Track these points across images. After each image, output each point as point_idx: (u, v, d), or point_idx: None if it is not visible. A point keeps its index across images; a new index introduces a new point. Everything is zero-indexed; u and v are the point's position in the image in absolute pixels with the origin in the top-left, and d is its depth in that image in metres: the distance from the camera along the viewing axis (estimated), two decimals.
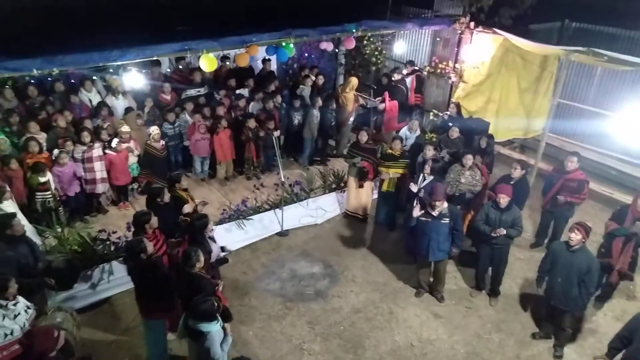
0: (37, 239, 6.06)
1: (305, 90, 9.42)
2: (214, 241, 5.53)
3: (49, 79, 7.79)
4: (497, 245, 6.17)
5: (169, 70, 9.25)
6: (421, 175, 7.04)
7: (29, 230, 6.03)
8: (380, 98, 9.56)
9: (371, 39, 10.48)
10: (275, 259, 7.42)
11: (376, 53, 10.84)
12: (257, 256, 7.47)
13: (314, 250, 7.65)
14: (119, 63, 5.80)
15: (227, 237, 7.21)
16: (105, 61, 5.67)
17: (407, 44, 10.11)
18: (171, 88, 8.68)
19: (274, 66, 10.22)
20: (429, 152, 7.36)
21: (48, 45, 5.35)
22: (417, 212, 6.04)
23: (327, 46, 7.78)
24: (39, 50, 5.20)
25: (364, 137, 7.92)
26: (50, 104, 7.54)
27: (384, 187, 7.79)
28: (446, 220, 5.99)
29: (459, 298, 6.73)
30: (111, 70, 6.87)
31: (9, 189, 5.99)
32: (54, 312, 4.46)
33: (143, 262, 4.73)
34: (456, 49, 9.32)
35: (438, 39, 10.19)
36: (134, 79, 6.77)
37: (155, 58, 7.22)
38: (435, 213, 5.94)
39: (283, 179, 7.78)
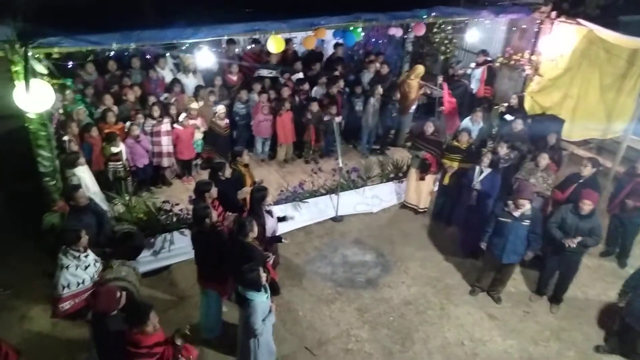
0: (106, 206, 6.44)
1: (366, 75, 9.27)
2: (271, 216, 5.62)
3: (127, 54, 8.21)
4: (569, 252, 5.71)
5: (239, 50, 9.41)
6: (477, 168, 6.70)
7: (100, 197, 6.43)
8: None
9: (442, 27, 10.10)
10: (328, 244, 7.43)
11: (446, 42, 10.45)
12: (311, 239, 7.51)
13: (367, 238, 7.58)
14: (191, 41, 5.94)
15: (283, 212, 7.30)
16: (179, 38, 5.84)
17: (480, 33, 9.64)
18: (238, 69, 8.86)
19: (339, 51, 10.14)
20: (502, 149, 7.04)
21: (126, 21, 5.58)
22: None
23: (396, 32, 7.58)
24: (118, 26, 5.44)
25: (429, 128, 7.70)
26: (127, 78, 7.91)
27: (446, 181, 7.54)
28: (527, 222, 5.59)
29: (517, 301, 6.42)
30: (184, 48, 7.08)
31: (82, 156, 6.36)
32: (119, 266, 4.75)
33: (206, 228, 4.92)
34: (533, 40, 8.77)
35: (514, 29, 9.64)
36: (205, 58, 6.94)
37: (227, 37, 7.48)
38: (517, 214, 5.57)
39: (341, 165, 7.75)
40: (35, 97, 4.80)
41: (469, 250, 6.96)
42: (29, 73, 4.82)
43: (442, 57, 10.81)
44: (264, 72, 8.96)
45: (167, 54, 8.51)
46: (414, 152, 7.84)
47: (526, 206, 5.54)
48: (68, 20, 5.38)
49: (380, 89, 8.71)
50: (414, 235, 7.72)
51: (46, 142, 5.55)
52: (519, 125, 7.63)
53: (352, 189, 8.09)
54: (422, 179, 7.80)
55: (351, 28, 6.92)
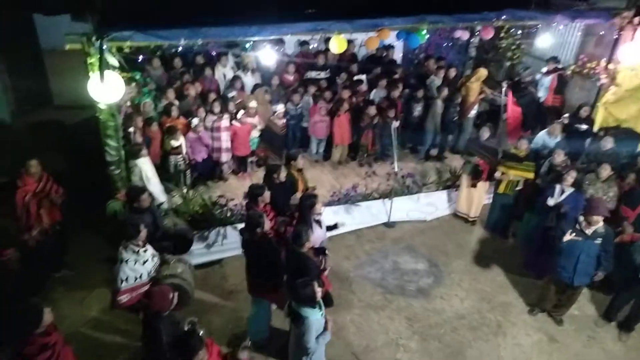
0: (164, 198, 6.62)
1: (436, 81, 9.03)
2: (320, 226, 5.41)
3: (191, 52, 8.47)
4: None
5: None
6: (557, 186, 6.21)
7: (159, 188, 6.62)
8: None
9: (510, 31, 9.66)
10: (379, 249, 7.27)
11: (513, 47, 9.99)
12: (361, 243, 7.39)
13: (420, 247, 7.35)
14: (255, 39, 6.00)
15: (334, 219, 7.20)
16: (244, 36, 5.92)
17: (552, 39, 9.13)
18: (295, 69, 8.90)
19: (397, 54, 9.97)
20: (559, 157, 6.60)
21: (195, 19, 5.70)
22: (568, 236, 5.26)
23: (463, 35, 7.30)
24: (186, 23, 5.57)
25: (485, 133, 7.39)
26: (189, 74, 8.14)
27: (501, 189, 7.19)
28: (599, 241, 5.19)
29: (581, 325, 5.98)
30: (246, 46, 7.21)
31: (145, 148, 6.57)
32: (175, 263, 4.83)
33: (258, 236, 4.83)
34: (612, 47, 8.17)
35: (590, 35, 9.05)
36: (267, 57, 7.00)
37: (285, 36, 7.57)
38: (589, 232, 5.19)
39: (396, 169, 7.57)
40: (107, 88, 5.01)
41: (537, 271, 6.48)
42: (104, 65, 5.03)
43: (508, 64, 10.34)
44: (312, 74, 8.93)
45: (229, 53, 8.74)
46: (467, 157, 7.53)
47: (599, 223, 5.13)
48: (140, 17, 5.58)
49: (445, 91, 8.45)
50: (468, 247, 7.41)
51: (114, 132, 5.78)
52: (608, 143, 7.06)
53: (406, 195, 7.89)
54: (473, 185, 7.49)
55: (416, 30, 6.73)
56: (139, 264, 4.60)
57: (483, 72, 8.75)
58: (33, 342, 3.51)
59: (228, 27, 5.78)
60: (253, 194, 5.36)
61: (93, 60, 5.14)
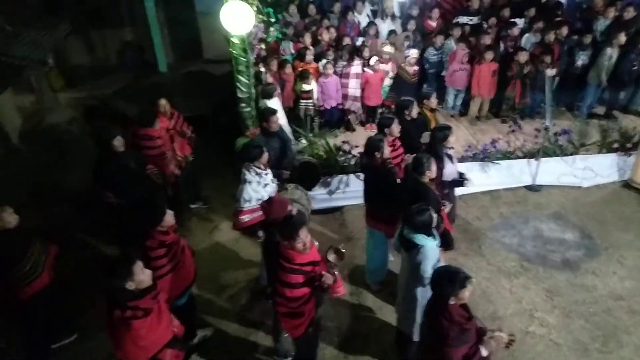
0: (291, 139, 6.63)
1: (601, 22, 7.50)
2: (452, 161, 4.96)
3: None
4: None
5: None
6: None
7: (287, 130, 6.63)
8: None
9: None
10: (518, 213, 6.39)
11: None
12: (497, 205, 6.57)
13: (570, 215, 6.28)
14: None
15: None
16: None
17: None
18: (439, 15, 8.16)
19: None
20: None
21: None
22: None
23: None
24: None
25: None
26: (325, 20, 7.99)
27: None
28: None
29: None
30: None
31: (278, 90, 6.62)
32: (293, 189, 4.80)
33: (376, 162, 4.60)
34: None
35: None
36: (402, 2, 6.48)
37: None
38: None
39: (548, 124, 6.49)
40: (238, 19, 5.03)
41: None
42: None
43: None
44: (464, 19, 8.04)
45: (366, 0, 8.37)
46: None
47: None
48: None
49: (622, 37, 6.95)
50: (636, 220, 6.08)
51: (245, 68, 5.88)
52: None
53: (558, 156, 6.75)
54: None
55: None
56: (261, 186, 4.63)
57: None
58: (153, 237, 3.75)
59: None
60: (381, 124, 5.12)
61: None
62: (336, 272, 3.67)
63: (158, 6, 10.68)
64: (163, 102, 6.00)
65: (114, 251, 5.16)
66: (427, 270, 3.73)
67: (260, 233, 4.64)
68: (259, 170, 4.70)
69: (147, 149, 5.52)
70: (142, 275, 3.08)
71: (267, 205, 4.10)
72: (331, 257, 3.66)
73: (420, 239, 3.79)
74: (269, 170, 4.83)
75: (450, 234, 4.41)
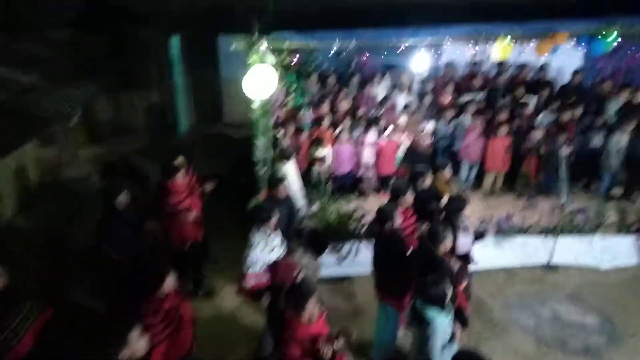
0: (303, 202, 6.63)
1: (613, 104, 7.64)
2: (467, 234, 4.84)
3: (348, 70, 8.78)
4: None
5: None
6: None
7: (299, 193, 6.67)
8: None
9: None
10: (535, 294, 6.14)
11: None
12: (513, 283, 6.34)
13: (589, 297, 6.00)
14: (410, 42, 5.74)
15: (480, 251, 6.33)
16: (398, 38, 5.72)
17: None
18: (453, 90, 8.43)
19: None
20: None
21: (349, 24, 5.74)
22: None
23: None
24: (341, 26, 5.62)
25: None
26: (343, 91, 8.29)
27: None
28: None
29: None
30: (400, 62, 7.08)
31: (294, 154, 6.73)
32: (301, 254, 4.67)
33: (386, 231, 4.50)
34: None
35: None
36: (422, 62, 6.74)
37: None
38: None
39: (564, 200, 6.40)
40: (261, 83, 5.22)
41: None
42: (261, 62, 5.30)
43: None
44: (466, 98, 8.30)
45: (386, 73, 8.73)
46: None
47: None
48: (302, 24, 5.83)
49: (631, 124, 7.03)
50: None
51: (264, 131, 6.02)
52: None
53: (575, 234, 6.59)
54: None
55: (602, 34, 5.70)
56: (267, 250, 4.53)
57: None
58: (150, 303, 3.59)
59: (382, 29, 5.65)
60: (395, 192, 5.05)
61: (253, 58, 5.46)
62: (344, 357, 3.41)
63: (185, 72, 11.26)
64: (180, 159, 6.12)
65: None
66: (436, 347, 3.54)
67: (266, 298, 4.49)
68: (266, 234, 4.63)
69: (168, 205, 5.54)
70: (137, 345, 2.91)
71: (274, 268, 3.99)
72: (339, 343, 3.40)
73: (431, 312, 3.61)
74: (277, 234, 4.76)
75: (466, 311, 4.20)
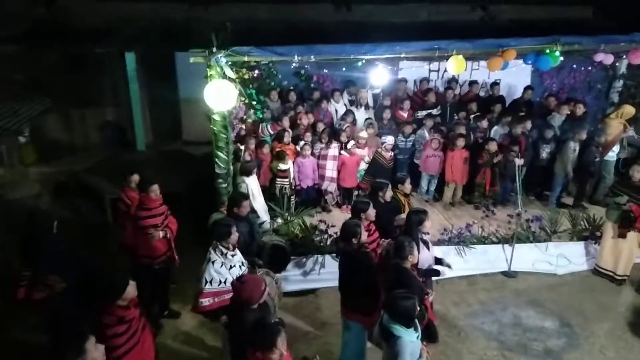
0: (267, 217, 6.55)
1: (557, 118, 8.08)
2: (427, 248, 4.84)
3: (307, 87, 8.85)
4: None
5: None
6: None
7: (263, 208, 6.58)
8: None
9: None
10: (497, 300, 6.25)
11: None
12: (475, 291, 6.44)
13: (548, 302, 6.17)
14: (367, 57, 5.86)
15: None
16: (357, 54, 5.83)
17: None
18: (410, 106, 8.65)
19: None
20: None
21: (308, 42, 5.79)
22: None
23: (606, 59, 6.32)
24: (302, 38, 5.67)
25: (637, 173, 6.17)
26: (303, 107, 8.34)
27: None
28: None
29: None
30: (356, 78, 7.20)
31: (256, 168, 6.66)
32: (262, 275, 4.51)
33: (352, 248, 4.41)
34: None
35: None
36: (379, 77, 6.91)
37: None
38: None
39: (520, 210, 6.63)
40: (220, 96, 5.16)
41: None
42: (220, 76, 5.26)
43: None
44: (422, 113, 8.55)
45: (344, 90, 8.85)
46: (612, 199, 6.31)
47: None
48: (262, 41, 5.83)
49: (584, 134, 7.43)
50: (615, 309, 6.03)
51: (225, 144, 5.94)
52: None
53: (532, 242, 6.81)
54: (622, 235, 6.21)
55: (547, 51, 6.04)
56: (225, 268, 4.32)
57: (629, 110, 7.57)
58: (112, 313, 3.44)
59: (341, 45, 5.75)
60: (357, 209, 4.97)
61: (212, 72, 5.41)
62: None
63: (142, 89, 11.01)
64: (135, 177, 5.92)
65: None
66: None
67: (224, 318, 4.23)
68: (225, 250, 4.42)
69: (138, 219, 5.30)
70: (96, 352, 2.76)
71: (240, 284, 3.77)
72: None
73: (399, 329, 3.48)
74: (237, 252, 4.56)
75: (435, 325, 4.17)
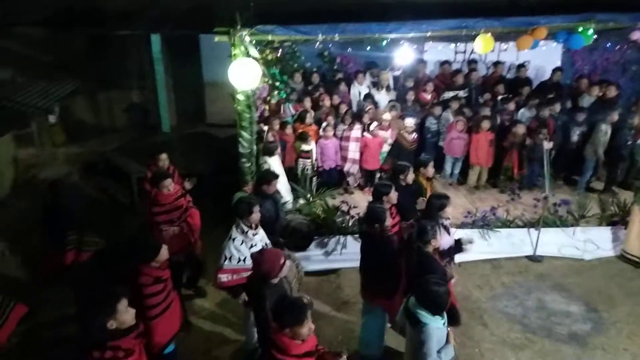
0: (289, 197, 6.58)
1: (586, 99, 7.82)
2: (448, 232, 4.72)
3: (331, 70, 8.84)
4: None
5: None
6: None
7: (286, 187, 6.60)
8: None
9: None
10: (521, 283, 6.17)
11: None
12: (499, 274, 6.37)
13: (574, 287, 6.06)
14: (393, 36, 5.75)
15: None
16: (382, 32, 5.72)
17: None
18: (433, 88, 8.51)
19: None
20: None
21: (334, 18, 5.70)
22: None
23: None
24: (326, 20, 5.58)
25: None
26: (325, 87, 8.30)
27: None
28: None
29: None
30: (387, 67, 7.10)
31: (279, 148, 6.67)
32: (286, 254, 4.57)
33: (375, 232, 4.37)
34: None
35: None
36: (404, 56, 6.81)
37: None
38: None
39: (547, 193, 6.48)
40: (245, 75, 5.15)
41: None
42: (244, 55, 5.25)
43: None
44: (449, 94, 8.36)
45: (367, 72, 8.75)
46: None
47: None
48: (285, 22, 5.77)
49: (615, 116, 7.18)
50: None
51: (248, 124, 5.96)
52: None
53: (558, 227, 6.68)
54: None
55: (580, 29, 5.81)
56: (245, 246, 4.34)
57: None
58: (148, 273, 3.60)
59: (365, 24, 5.65)
60: (379, 192, 4.90)
61: (237, 51, 5.41)
62: None
63: (167, 72, 11.13)
64: (163, 156, 5.96)
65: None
66: (431, 352, 3.37)
67: (243, 296, 4.30)
68: (245, 229, 4.40)
69: (152, 215, 5.07)
70: (126, 315, 2.86)
71: (259, 256, 3.79)
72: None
73: (425, 316, 3.42)
74: (259, 231, 4.54)
75: (457, 309, 4.12)
